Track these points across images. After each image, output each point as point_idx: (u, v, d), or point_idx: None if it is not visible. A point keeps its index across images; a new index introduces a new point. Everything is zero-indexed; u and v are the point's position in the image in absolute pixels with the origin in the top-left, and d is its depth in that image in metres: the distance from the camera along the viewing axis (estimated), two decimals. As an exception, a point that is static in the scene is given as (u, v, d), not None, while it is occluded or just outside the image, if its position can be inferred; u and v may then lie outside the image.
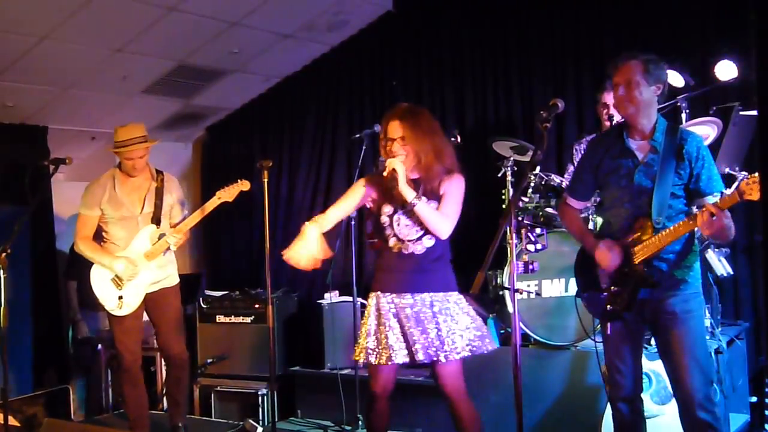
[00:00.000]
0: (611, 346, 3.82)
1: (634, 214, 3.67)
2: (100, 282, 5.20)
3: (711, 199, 3.55)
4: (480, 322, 4.13)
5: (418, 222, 4.08)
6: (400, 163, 4.03)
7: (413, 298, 4.06)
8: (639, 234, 3.62)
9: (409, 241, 4.11)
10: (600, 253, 3.73)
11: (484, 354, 4.10)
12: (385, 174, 4.05)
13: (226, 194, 5.15)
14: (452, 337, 3.99)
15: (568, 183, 4.54)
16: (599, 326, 3.94)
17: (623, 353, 3.77)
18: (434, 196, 4.09)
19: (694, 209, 3.65)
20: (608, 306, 3.72)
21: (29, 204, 4.94)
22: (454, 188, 4.11)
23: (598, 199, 4.77)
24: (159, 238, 5.15)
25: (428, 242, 4.10)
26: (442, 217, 4.05)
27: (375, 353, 4.08)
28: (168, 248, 5.16)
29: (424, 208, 4.02)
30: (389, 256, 4.17)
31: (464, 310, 4.09)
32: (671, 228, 3.51)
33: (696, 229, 3.49)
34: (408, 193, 4.02)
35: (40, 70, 6.18)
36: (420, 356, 3.98)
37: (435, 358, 3.99)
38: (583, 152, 5.72)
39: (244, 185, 5.17)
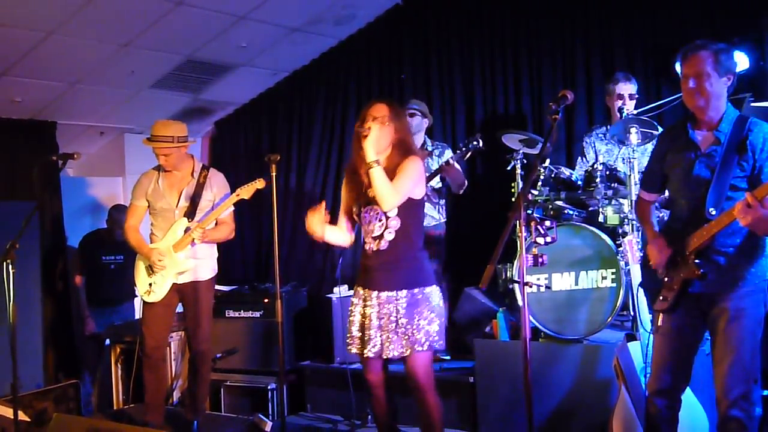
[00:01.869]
0: (661, 339, 3.74)
1: (692, 205, 3.60)
2: (139, 269, 5.40)
3: None
4: (441, 318, 4.20)
5: (378, 218, 4.16)
6: (377, 128, 4.10)
7: (381, 295, 4.16)
8: (693, 226, 3.54)
9: (373, 237, 4.19)
10: (650, 250, 3.72)
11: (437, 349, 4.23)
12: (363, 132, 4.11)
13: (245, 192, 5.24)
14: (417, 332, 4.08)
15: (641, 176, 4.46)
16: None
17: (672, 347, 3.70)
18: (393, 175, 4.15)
19: None
20: (660, 297, 3.68)
21: (38, 199, 4.95)
22: (409, 165, 4.14)
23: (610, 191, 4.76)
24: (185, 232, 5.25)
25: (389, 236, 4.14)
26: (391, 188, 4.06)
27: (359, 344, 4.22)
28: (193, 241, 5.23)
29: (378, 173, 4.05)
30: (363, 253, 4.29)
31: (429, 305, 4.15)
32: (717, 218, 3.43)
33: None
34: (371, 154, 4.07)
35: (48, 66, 6.19)
36: (388, 353, 4.12)
37: (403, 353, 4.11)
38: (593, 146, 5.75)
39: (260, 183, 5.25)
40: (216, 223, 5.36)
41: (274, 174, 4.81)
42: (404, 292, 4.12)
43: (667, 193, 3.92)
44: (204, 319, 5.43)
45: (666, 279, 3.67)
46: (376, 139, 4.09)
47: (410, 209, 4.18)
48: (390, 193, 4.05)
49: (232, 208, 5.39)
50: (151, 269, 5.31)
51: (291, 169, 7.84)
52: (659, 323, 3.73)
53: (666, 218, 4.33)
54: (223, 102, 8.01)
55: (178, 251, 5.24)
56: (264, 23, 6.55)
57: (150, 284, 5.31)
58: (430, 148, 6.13)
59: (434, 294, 4.20)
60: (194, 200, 5.30)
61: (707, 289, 3.56)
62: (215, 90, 7.55)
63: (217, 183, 5.43)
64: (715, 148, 3.56)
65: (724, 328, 3.52)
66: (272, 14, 6.46)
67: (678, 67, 3.67)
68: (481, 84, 6.85)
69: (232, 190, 5.34)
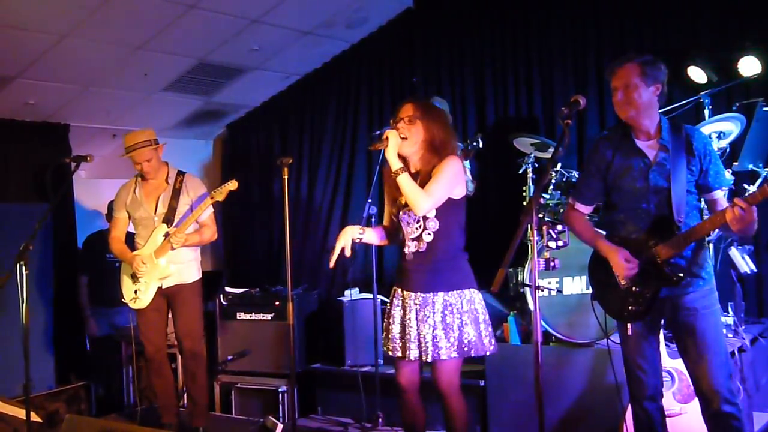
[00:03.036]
0: (633, 346, 3.80)
1: (653, 213, 3.65)
2: (124, 277, 5.51)
3: (719, 194, 3.62)
4: (483, 324, 4.09)
5: (416, 219, 4.09)
6: (394, 135, 4.01)
7: (418, 297, 4.08)
8: (660, 233, 3.60)
9: (412, 239, 4.12)
10: (617, 263, 3.69)
11: (482, 356, 4.13)
12: (380, 144, 4.04)
13: (218, 194, 5.33)
14: (446, 337, 3.99)
15: (573, 189, 4.47)
16: (617, 327, 3.90)
17: (646, 351, 3.76)
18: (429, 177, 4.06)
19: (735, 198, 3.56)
20: (630, 307, 3.70)
21: (51, 201, 4.99)
22: (445, 167, 4.02)
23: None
24: (165, 237, 5.33)
25: (427, 237, 4.07)
26: (423, 192, 3.97)
27: (396, 346, 4.14)
28: (172, 246, 5.31)
29: (405, 180, 3.97)
30: (401, 254, 4.21)
31: (469, 309, 4.05)
32: (698, 225, 3.51)
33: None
34: (394, 163, 4.00)
35: (61, 68, 6.22)
36: (425, 357, 4.03)
37: (431, 358, 4.02)
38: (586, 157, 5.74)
39: (232, 185, 5.34)
40: (200, 226, 5.45)
41: (286, 177, 4.82)
42: (440, 294, 4.04)
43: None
44: (193, 322, 5.51)
45: (634, 289, 3.68)
46: (395, 146, 4.00)
47: (449, 209, 4.08)
48: (421, 198, 3.95)
49: (212, 210, 5.48)
50: (135, 277, 5.41)
51: (302, 172, 7.86)
52: (629, 333, 3.76)
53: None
54: (235, 105, 8.03)
55: (159, 257, 5.34)
56: (276, 27, 6.57)
57: (135, 291, 5.42)
58: None
59: (470, 297, 4.08)
60: (172, 206, 5.39)
61: (672, 292, 3.63)
62: (227, 93, 7.57)
63: (193, 187, 5.51)
64: (665, 156, 3.64)
65: (697, 327, 3.60)
66: (284, 18, 6.47)
67: (611, 81, 3.72)
68: (493, 87, 6.85)
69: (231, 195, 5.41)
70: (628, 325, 3.74)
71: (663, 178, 3.63)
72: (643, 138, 3.70)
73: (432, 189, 3.98)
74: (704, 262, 3.69)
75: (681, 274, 3.57)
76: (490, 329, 4.13)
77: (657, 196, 3.64)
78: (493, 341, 4.13)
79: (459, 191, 4.10)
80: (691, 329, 3.62)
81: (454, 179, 4.04)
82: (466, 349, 4.02)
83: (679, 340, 3.72)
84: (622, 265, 3.66)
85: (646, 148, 3.68)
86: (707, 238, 3.75)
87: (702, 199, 3.76)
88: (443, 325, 4.00)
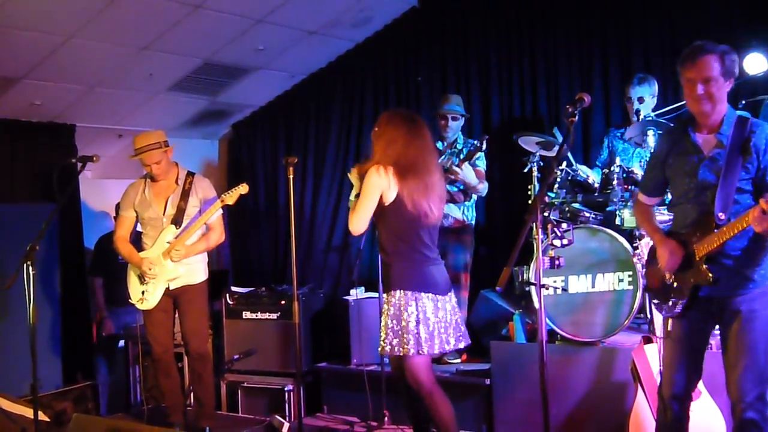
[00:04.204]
0: (670, 343, 3.74)
1: (699, 210, 3.57)
2: (131, 278, 5.52)
3: None
4: (395, 325, 4.34)
5: None
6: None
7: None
8: (701, 231, 3.52)
9: None
10: (661, 253, 3.68)
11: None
12: None
13: (229, 197, 5.37)
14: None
15: (641, 179, 4.44)
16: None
17: (682, 350, 3.69)
18: None
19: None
20: (670, 302, 3.66)
21: (57, 201, 5.00)
22: (365, 182, 4.32)
23: (625, 195, 4.73)
24: (175, 238, 5.35)
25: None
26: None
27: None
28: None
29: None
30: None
31: (388, 309, 4.38)
32: (731, 225, 3.39)
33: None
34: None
35: (67, 69, 6.23)
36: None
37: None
38: (611, 147, 5.75)
39: (243, 188, 5.39)
40: (208, 229, 5.46)
41: (291, 176, 4.84)
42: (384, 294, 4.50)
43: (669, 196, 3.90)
44: (200, 323, 5.54)
45: (675, 284, 3.65)
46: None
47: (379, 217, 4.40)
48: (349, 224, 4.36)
49: (221, 212, 5.49)
50: (142, 278, 5.42)
51: (308, 171, 7.85)
52: (669, 328, 3.73)
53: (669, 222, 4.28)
54: (240, 105, 8.03)
55: (167, 258, 5.33)
56: (281, 26, 6.57)
57: (143, 292, 5.43)
58: (460, 146, 6.14)
59: (395, 298, 4.35)
60: (180, 207, 5.40)
61: (718, 293, 3.54)
62: (233, 93, 7.57)
63: (202, 188, 5.51)
64: (719, 151, 3.54)
65: (738, 330, 3.51)
66: (289, 17, 6.47)
67: (680, 69, 3.60)
68: (498, 86, 6.85)
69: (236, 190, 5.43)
70: (669, 320, 3.70)
71: (713, 174, 3.53)
72: (704, 131, 3.60)
73: (357, 206, 4.33)
74: (760, 263, 3.53)
75: (716, 275, 3.47)
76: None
77: (704, 192, 3.55)
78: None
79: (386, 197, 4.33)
80: (731, 331, 3.53)
81: (367, 190, 4.29)
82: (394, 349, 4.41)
83: (722, 340, 3.64)
84: (665, 255, 3.63)
85: (702, 143, 3.59)
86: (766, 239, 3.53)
87: (762, 199, 3.49)
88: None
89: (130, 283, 5.51)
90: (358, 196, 4.31)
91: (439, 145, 6.16)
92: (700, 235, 3.53)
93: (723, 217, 3.46)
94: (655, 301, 3.84)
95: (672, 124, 5.00)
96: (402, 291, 4.30)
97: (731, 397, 3.56)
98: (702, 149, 3.59)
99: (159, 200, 5.44)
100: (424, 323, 4.26)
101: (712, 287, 3.51)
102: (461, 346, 4.53)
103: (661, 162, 3.76)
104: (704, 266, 3.50)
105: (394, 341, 4.30)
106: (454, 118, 6.12)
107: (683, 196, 3.66)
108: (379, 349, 4.40)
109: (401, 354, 4.29)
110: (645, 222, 3.94)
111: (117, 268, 6.90)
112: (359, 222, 4.27)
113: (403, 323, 4.28)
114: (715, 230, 3.45)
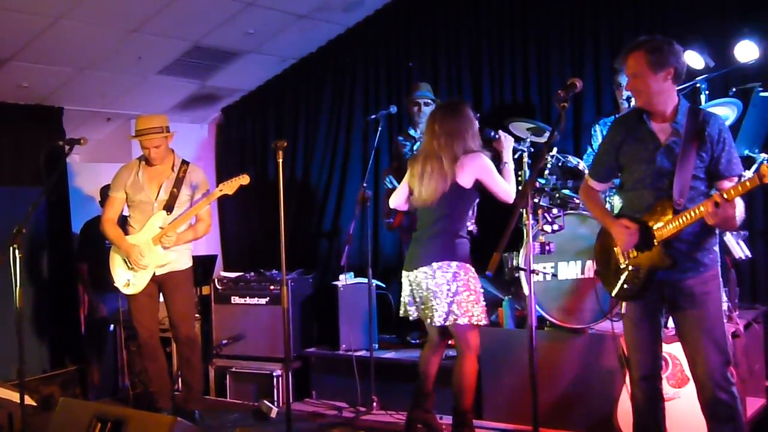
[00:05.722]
0: (630, 326, 3.83)
1: (656, 195, 3.65)
2: (115, 261, 5.44)
3: (728, 183, 3.55)
4: None
5: None
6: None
7: None
8: (659, 215, 3.60)
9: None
10: (618, 232, 3.73)
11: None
12: None
13: (228, 187, 5.34)
14: None
15: (589, 165, 4.52)
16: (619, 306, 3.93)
17: (642, 332, 3.77)
18: None
19: (714, 192, 3.61)
20: (625, 285, 3.72)
21: (45, 184, 4.96)
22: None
23: (616, 181, 4.71)
24: (166, 225, 5.32)
25: None
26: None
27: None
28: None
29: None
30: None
31: (457, 282, 4.58)
32: (690, 212, 3.49)
33: None
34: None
35: (55, 51, 6.18)
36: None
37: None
38: (603, 135, 5.73)
39: (244, 179, 5.36)
40: (196, 220, 5.43)
41: (281, 160, 4.81)
42: None
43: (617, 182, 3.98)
44: (187, 307, 5.53)
45: (630, 267, 3.70)
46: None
47: None
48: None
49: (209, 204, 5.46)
50: (128, 262, 5.37)
51: (297, 156, 7.84)
52: (623, 311, 3.85)
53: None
54: (230, 89, 8.00)
55: (157, 244, 5.30)
56: (272, 10, 6.53)
57: (128, 277, 5.38)
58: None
59: None
60: (173, 193, 5.36)
61: (672, 276, 3.64)
62: (222, 77, 7.53)
63: (197, 178, 5.48)
64: (675, 140, 3.64)
65: (694, 312, 3.63)
66: (280, 1, 6.44)
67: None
68: (489, 72, 6.84)
69: (225, 179, 5.41)
70: (622, 304, 3.77)
71: (669, 161, 3.63)
72: (658, 120, 3.70)
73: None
74: (710, 247, 3.67)
75: (672, 259, 3.57)
76: None
77: (662, 179, 3.64)
78: None
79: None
80: (688, 314, 3.64)
81: None
82: None
83: (677, 324, 3.74)
84: (622, 235, 3.70)
85: (659, 131, 3.69)
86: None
87: (713, 187, 3.70)
88: None
89: (113, 267, 5.44)
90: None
91: (413, 132, 6.27)
92: (656, 220, 3.61)
93: (681, 203, 3.56)
94: (606, 284, 3.89)
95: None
96: (469, 265, 4.58)
97: (698, 378, 3.65)
98: (658, 137, 3.69)
99: (152, 184, 5.40)
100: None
101: (668, 270, 3.60)
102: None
103: (615, 149, 3.83)
104: (663, 249, 3.59)
105: (476, 310, 4.54)
106: (426, 104, 6.19)
107: (639, 182, 3.73)
108: (448, 322, 4.54)
109: (480, 324, 4.58)
110: (595, 206, 4.02)
111: (103, 252, 6.89)
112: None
113: (478, 294, 4.59)
114: (674, 215, 3.55)
